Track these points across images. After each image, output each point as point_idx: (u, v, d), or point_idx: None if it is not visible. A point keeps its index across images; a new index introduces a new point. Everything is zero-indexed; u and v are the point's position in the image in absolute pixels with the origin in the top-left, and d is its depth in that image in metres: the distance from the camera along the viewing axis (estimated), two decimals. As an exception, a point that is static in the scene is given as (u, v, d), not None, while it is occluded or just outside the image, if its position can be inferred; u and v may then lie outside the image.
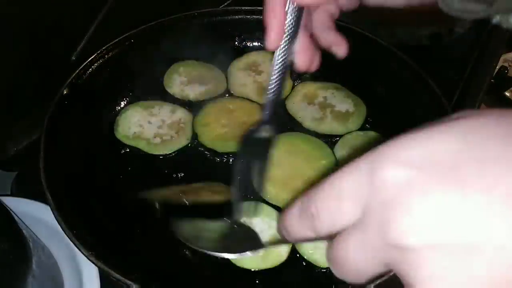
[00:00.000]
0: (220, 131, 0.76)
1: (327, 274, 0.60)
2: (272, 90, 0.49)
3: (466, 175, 0.22)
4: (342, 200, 0.26)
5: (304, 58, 0.50)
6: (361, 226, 0.26)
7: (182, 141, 0.75)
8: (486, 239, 0.21)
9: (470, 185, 0.22)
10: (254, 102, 0.80)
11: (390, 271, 0.27)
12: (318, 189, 0.28)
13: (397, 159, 0.24)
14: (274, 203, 0.66)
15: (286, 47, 0.47)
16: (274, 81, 0.48)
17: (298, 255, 0.61)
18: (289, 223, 0.31)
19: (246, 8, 0.87)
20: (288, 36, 0.47)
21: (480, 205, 0.22)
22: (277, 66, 0.48)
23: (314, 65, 0.52)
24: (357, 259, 0.27)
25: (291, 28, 0.46)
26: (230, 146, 0.74)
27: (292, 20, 0.46)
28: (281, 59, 0.48)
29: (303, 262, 0.61)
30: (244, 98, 0.81)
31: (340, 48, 0.55)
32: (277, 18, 0.46)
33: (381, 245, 0.25)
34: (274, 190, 0.67)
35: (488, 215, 0.21)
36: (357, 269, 0.28)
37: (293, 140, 0.74)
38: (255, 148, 0.52)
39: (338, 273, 0.30)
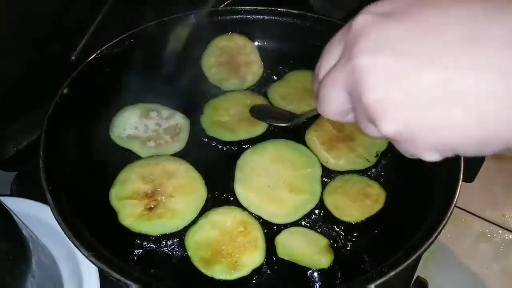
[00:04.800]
0: (222, 118, 0.77)
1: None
2: None
3: (408, 15, 0.33)
4: (331, 46, 0.38)
5: None
6: (338, 61, 0.37)
7: (176, 147, 0.74)
8: (410, 51, 0.31)
9: (408, 21, 0.32)
10: (276, 106, 0.80)
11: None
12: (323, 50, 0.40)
13: (368, 10, 0.35)
14: (257, 213, 0.65)
15: None
16: None
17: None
18: (313, 86, 0.43)
19: (246, 8, 0.87)
20: None
21: (410, 32, 0.32)
22: None
23: None
24: (329, 87, 0.37)
25: None
26: (221, 133, 0.74)
27: None
28: None
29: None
30: (265, 98, 0.81)
31: None
32: None
33: (344, 67, 0.35)
34: (256, 200, 0.66)
35: (413, 37, 0.32)
36: (330, 98, 0.38)
37: (279, 149, 0.73)
38: None
39: (319, 107, 0.40)
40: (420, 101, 0.31)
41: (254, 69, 0.85)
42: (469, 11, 0.30)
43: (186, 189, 0.67)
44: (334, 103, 0.38)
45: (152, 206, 0.65)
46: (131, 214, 0.64)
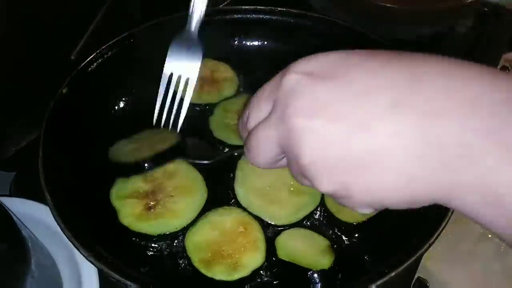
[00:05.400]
0: (231, 121, 0.77)
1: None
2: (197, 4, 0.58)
3: (337, 77, 0.34)
4: (261, 99, 0.39)
5: None
6: (269, 115, 0.38)
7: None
8: (342, 116, 0.32)
9: (337, 84, 0.33)
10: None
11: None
12: (251, 99, 0.41)
13: (297, 69, 0.36)
14: (257, 214, 0.65)
15: None
16: None
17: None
18: (239, 129, 0.44)
19: (245, 7, 0.86)
20: None
21: (340, 96, 0.33)
22: None
23: None
24: (262, 141, 0.38)
25: None
26: (228, 136, 0.74)
27: None
28: None
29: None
30: None
31: None
32: None
33: (278, 125, 0.36)
34: (256, 201, 0.66)
35: (344, 102, 0.33)
36: (262, 150, 0.39)
37: None
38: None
39: (250, 157, 0.42)
40: (354, 165, 0.32)
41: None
42: (396, 76, 0.32)
43: (186, 189, 0.67)
44: (265, 155, 0.40)
45: (152, 206, 0.65)
46: (130, 214, 0.64)
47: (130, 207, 0.64)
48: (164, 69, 0.61)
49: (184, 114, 0.64)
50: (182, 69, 0.61)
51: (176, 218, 0.64)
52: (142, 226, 0.63)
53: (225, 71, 0.85)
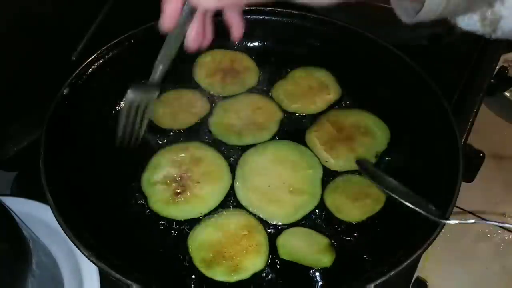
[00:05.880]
0: (231, 121, 0.77)
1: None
2: (161, 60, 0.58)
3: None
4: None
5: (194, 41, 0.58)
6: None
7: None
8: None
9: None
10: (284, 110, 0.80)
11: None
12: None
13: None
14: (256, 213, 0.66)
15: (178, 31, 0.55)
16: (163, 54, 0.58)
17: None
18: None
19: (246, 8, 0.86)
20: (182, 22, 0.54)
21: None
22: (168, 45, 0.57)
23: (203, 46, 0.61)
24: None
25: (185, 15, 0.54)
26: (228, 137, 0.75)
27: (187, 9, 0.53)
28: (172, 40, 0.56)
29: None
30: (276, 102, 0.81)
31: (235, 31, 0.63)
32: (173, 4, 0.51)
33: None
34: (255, 200, 0.67)
35: None
36: None
37: (280, 149, 0.72)
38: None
39: None
40: None
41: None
42: None
43: (212, 175, 0.69)
44: None
45: (179, 191, 0.67)
46: (160, 199, 0.66)
47: (160, 193, 0.67)
48: (124, 99, 0.61)
49: (142, 134, 0.64)
50: (141, 99, 0.62)
51: (201, 204, 0.66)
52: (171, 211, 0.65)
53: (244, 60, 0.86)
